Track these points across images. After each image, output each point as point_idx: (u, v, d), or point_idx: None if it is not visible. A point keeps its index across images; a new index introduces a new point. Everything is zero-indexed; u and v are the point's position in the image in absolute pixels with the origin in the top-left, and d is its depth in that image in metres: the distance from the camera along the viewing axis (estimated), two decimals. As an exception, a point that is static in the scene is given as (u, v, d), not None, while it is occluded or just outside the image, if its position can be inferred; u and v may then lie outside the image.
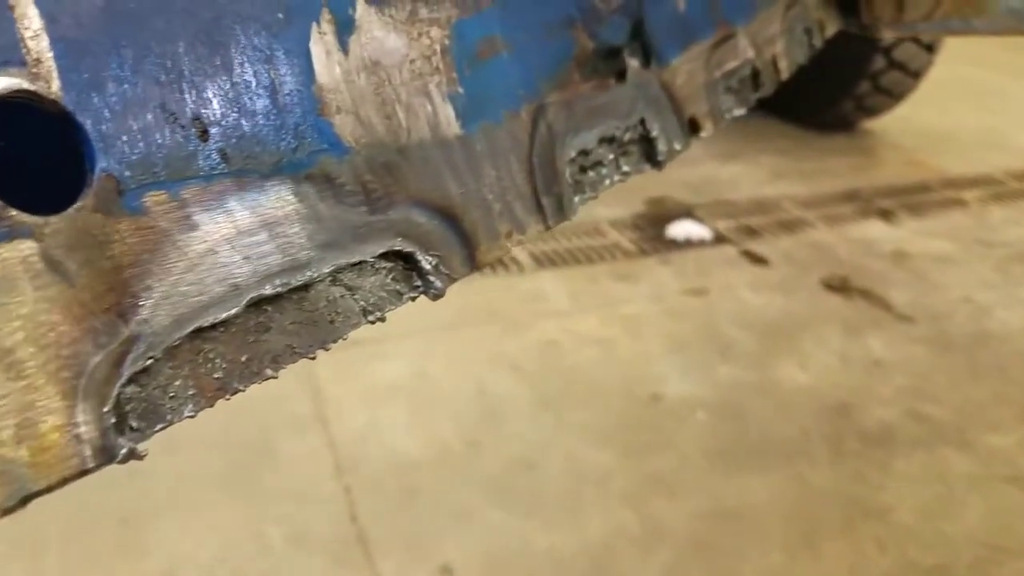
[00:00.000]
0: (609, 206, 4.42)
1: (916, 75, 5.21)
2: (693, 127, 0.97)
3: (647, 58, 0.88)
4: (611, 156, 0.83)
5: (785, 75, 1.18)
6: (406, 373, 2.94)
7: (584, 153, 0.80)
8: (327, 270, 0.59)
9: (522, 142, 0.70)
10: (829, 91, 5.27)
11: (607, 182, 0.84)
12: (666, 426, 2.74)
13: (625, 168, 0.86)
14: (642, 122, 0.87)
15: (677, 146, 0.92)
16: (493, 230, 0.68)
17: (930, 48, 5.09)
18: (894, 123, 5.67)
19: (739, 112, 1.08)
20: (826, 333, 3.28)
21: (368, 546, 2.25)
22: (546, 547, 2.28)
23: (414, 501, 2.40)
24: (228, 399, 0.56)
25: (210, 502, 2.36)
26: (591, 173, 0.82)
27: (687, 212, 4.36)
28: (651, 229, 4.18)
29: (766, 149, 5.31)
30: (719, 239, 4.09)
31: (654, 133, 0.88)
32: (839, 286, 3.64)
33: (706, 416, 2.79)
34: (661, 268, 3.80)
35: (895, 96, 5.33)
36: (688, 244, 4.03)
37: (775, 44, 1.15)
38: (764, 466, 2.58)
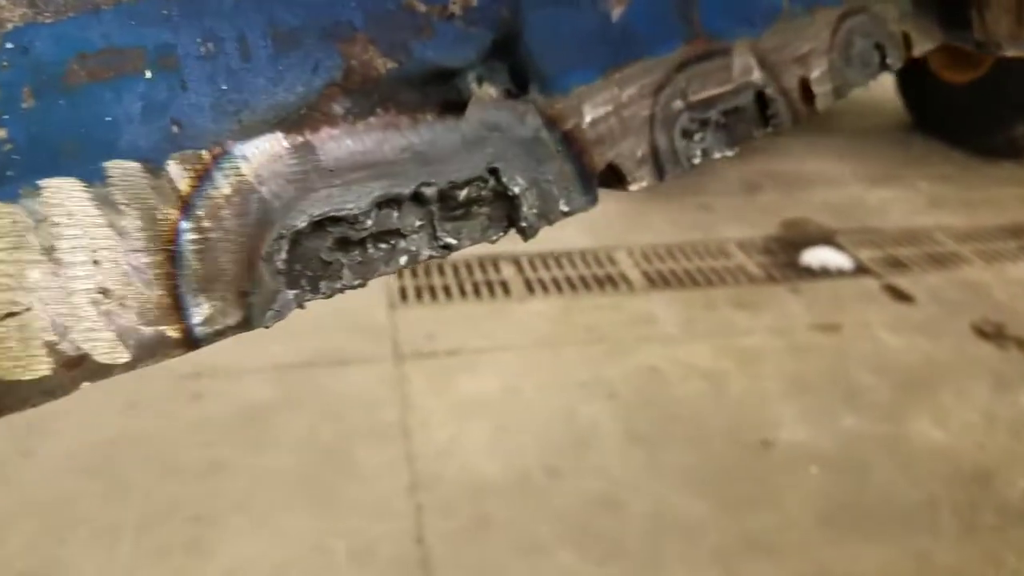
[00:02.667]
0: (738, 225, 4.06)
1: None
2: (613, 178, 0.70)
3: (521, 84, 0.62)
4: (395, 229, 0.58)
5: (824, 103, 0.89)
6: (496, 389, 2.76)
7: (331, 225, 0.54)
8: None
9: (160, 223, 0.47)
10: (1002, 114, 4.64)
11: (383, 267, 0.58)
12: (773, 478, 2.41)
13: (442, 242, 0.59)
14: (494, 173, 0.61)
15: (566, 206, 0.66)
16: None
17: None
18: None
19: (726, 153, 0.79)
20: (972, 386, 2.81)
21: (430, 572, 2.09)
22: (619, 601, 2.03)
23: (484, 529, 2.21)
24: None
25: (282, 506, 2.28)
26: (348, 257, 0.56)
27: (826, 238, 3.93)
28: (784, 254, 3.79)
29: (925, 174, 4.73)
30: (860, 270, 3.64)
31: (516, 189, 0.62)
32: (992, 333, 3.13)
33: (820, 471, 2.43)
34: (790, 298, 3.42)
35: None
36: (824, 273, 3.62)
37: (810, 64, 0.87)
38: (881, 535, 2.20)
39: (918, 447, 2.52)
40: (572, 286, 3.44)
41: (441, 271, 3.47)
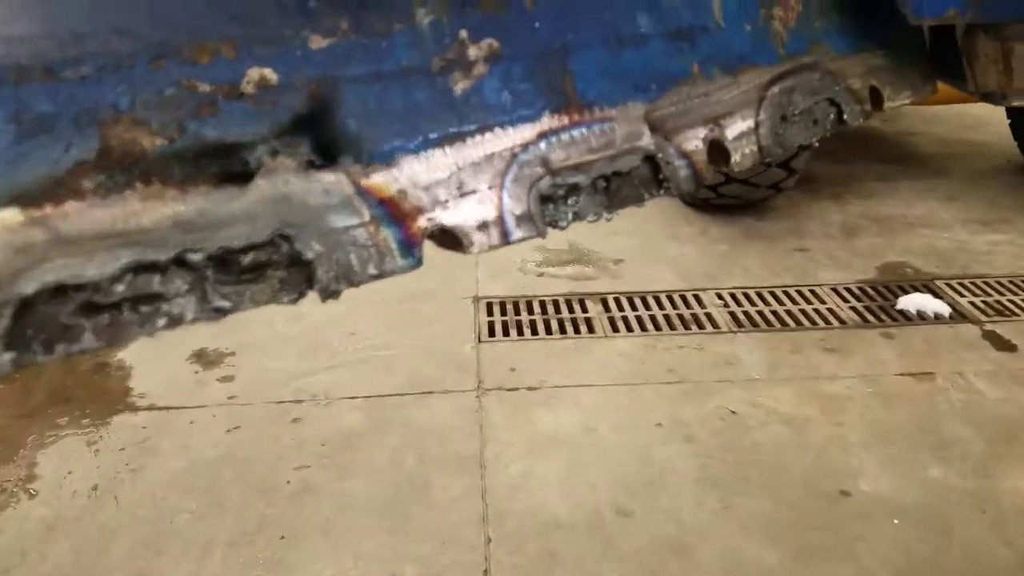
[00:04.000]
0: (834, 269, 3.92)
1: None
2: (450, 240, 0.70)
3: (329, 155, 0.62)
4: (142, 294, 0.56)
5: (747, 163, 0.85)
6: (573, 426, 2.77)
7: (73, 291, 0.53)
8: None
9: None
10: None
11: (138, 329, 0.57)
12: (850, 529, 2.29)
13: (214, 305, 0.59)
14: (287, 239, 0.61)
15: (375, 269, 0.66)
16: None
17: None
18: None
19: (605, 217, 0.78)
20: (1082, 445, 2.59)
21: (496, 605, 2.10)
22: (681, 646, 1.98)
23: (550, 566, 2.21)
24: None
25: (361, 530, 2.35)
26: (92, 321, 0.54)
27: (925, 283, 3.73)
28: (879, 299, 3.63)
29: (1039, 216, 4.43)
30: (959, 316, 3.43)
31: (309, 255, 0.62)
32: (1110, 388, 2.87)
33: (901, 524, 2.29)
34: (882, 343, 3.27)
35: None
36: (920, 319, 3.44)
37: (726, 125, 0.84)
38: (969, 600, 2.05)
39: (1010, 505, 2.34)
40: (657, 326, 3.41)
41: (529, 308, 3.52)
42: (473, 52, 0.68)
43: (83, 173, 0.53)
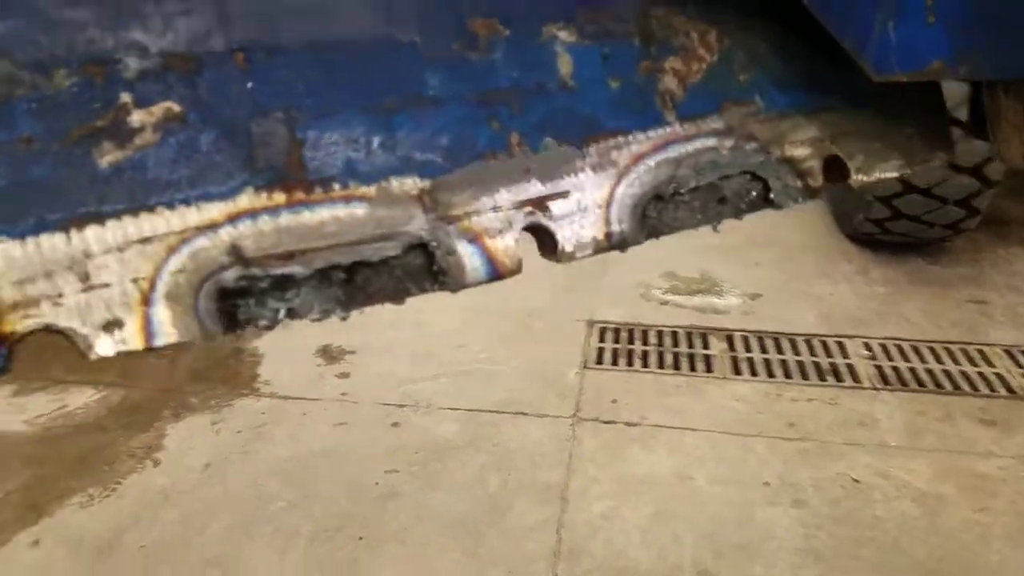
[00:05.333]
0: (1011, 326, 3.38)
1: None
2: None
3: None
4: None
5: (589, 253, 0.71)
6: (668, 470, 2.56)
7: None
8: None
9: None
10: None
11: None
12: (970, 640, 1.93)
13: None
14: None
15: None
16: None
17: None
18: None
19: (337, 316, 0.61)
20: None
21: (550, 649, 1.98)
22: None
23: (614, 618, 2.05)
24: None
25: (435, 545, 2.32)
26: None
27: None
28: (1065, 367, 3.08)
29: None
30: None
31: None
32: None
33: (1038, 648, 1.90)
34: (1057, 422, 2.76)
35: None
36: (1115, 398, 2.87)
37: (554, 206, 0.67)
38: None
39: None
40: (786, 372, 3.10)
41: (644, 338, 3.33)
42: (139, 117, 0.57)
43: None
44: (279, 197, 0.61)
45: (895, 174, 0.81)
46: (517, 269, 0.70)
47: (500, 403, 2.91)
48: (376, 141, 0.63)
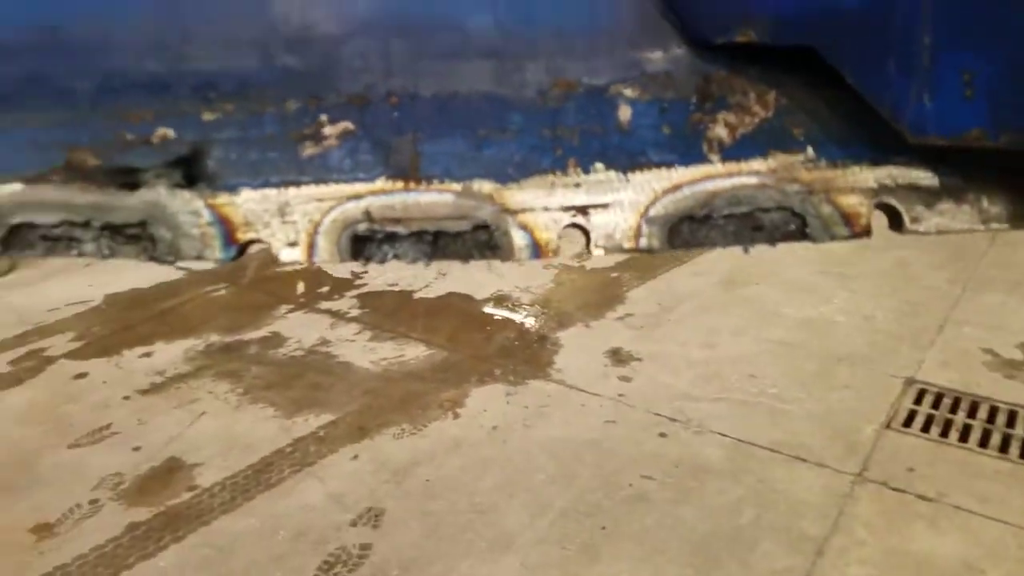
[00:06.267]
0: None
1: None
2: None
3: (192, 181, 0.90)
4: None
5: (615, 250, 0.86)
6: (955, 557, 2.21)
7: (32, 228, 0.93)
8: None
9: None
10: None
11: (64, 252, 0.93)
12: None
13: (104, 252, 0.93)
14: (143, 224, 0.92)
15: (197, 256, 0.93)
16: None
17: None
18: None
19: (419, 262, 0.90)
20: None
21: None
22: None
23: None
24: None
25: (670, 555, 2.32)
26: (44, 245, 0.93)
27: None
28: None
29: None
30: None
31: (157, 234, 0.91)
32: None
33: None
34: None
35: None
36: None
37: (594, 215, 0.86)
38: None
39: None
40: None
41: (972, 411, 2.86)
42: (330, 130, 0.88)
43: (55, 172, 0.92)
44: (399, 184, 0.89)
45: (959, 227, 0.82)
46: (556, 254, 0.88)
47: (777, 442, 2.77)
48: (468, 156, 0.89)
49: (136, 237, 0.93)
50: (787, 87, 0.82)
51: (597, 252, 0.87)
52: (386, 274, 4.40)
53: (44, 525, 2.57)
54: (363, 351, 3.62)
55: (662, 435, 2.87)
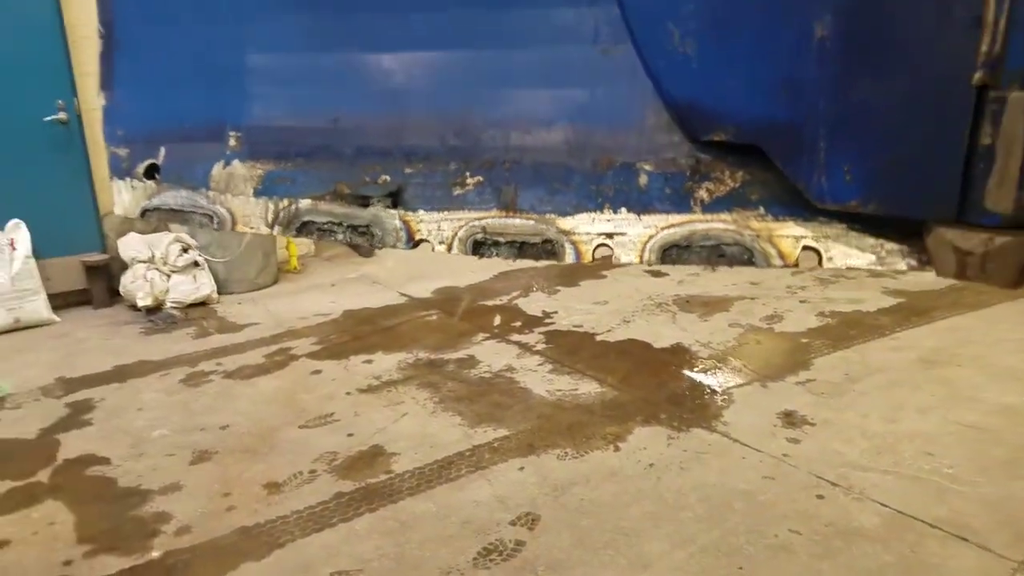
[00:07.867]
0: None
1: None
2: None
3: (395, 204, 1.46)
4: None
5: (629, 259, 1.32)
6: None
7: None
8: None
9: None
10: None
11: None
12: None
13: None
14: (368, 227, 1.49)
15: (392, 244, 1.48)
16: None
17: None
18: None
19: (509, 260, 1.41)
20: None
21: None
22: None
23: None
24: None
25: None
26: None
27: None
28: None
29: None
30: None
31: (373, 231, 1.48)
32: None
33: None
34: None
35: None
36: None
37: (617, 235, 1.32)
38: None
39: None
40: None
41: None
42: (470, 181, 1.41)
43: (328, 196, 1.52)
44: (501, 214, 1.39)
45: (861, 265, 1.14)
46: (592, 262, 1.36)
47: (940, 519, 2.66)
48: (546, 199, 1.37)
49: (364, 233, 1.50)
50: (750, 167, 1.20)
51: (622, 257, 1.32)
52: (572, 316, 4.72)
53: (273, 484, 3.15)
54: (542, 380, 3.96)
55: (819, 496, 2.87)
